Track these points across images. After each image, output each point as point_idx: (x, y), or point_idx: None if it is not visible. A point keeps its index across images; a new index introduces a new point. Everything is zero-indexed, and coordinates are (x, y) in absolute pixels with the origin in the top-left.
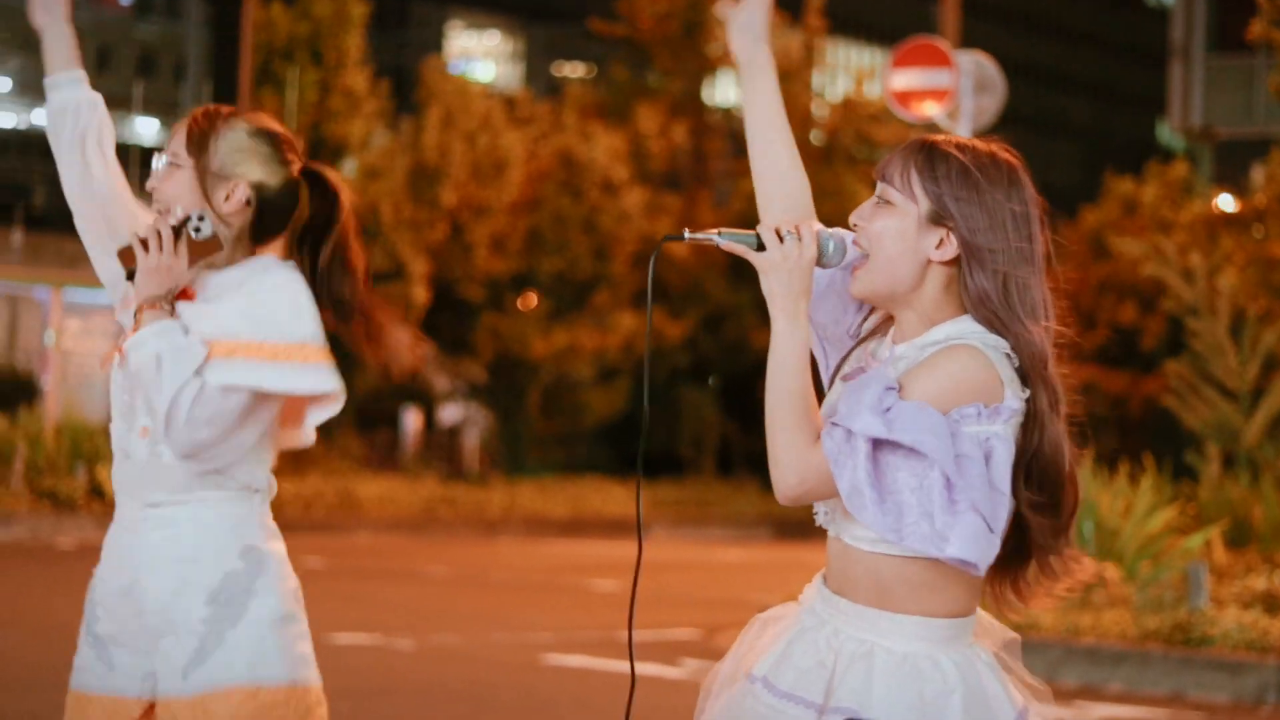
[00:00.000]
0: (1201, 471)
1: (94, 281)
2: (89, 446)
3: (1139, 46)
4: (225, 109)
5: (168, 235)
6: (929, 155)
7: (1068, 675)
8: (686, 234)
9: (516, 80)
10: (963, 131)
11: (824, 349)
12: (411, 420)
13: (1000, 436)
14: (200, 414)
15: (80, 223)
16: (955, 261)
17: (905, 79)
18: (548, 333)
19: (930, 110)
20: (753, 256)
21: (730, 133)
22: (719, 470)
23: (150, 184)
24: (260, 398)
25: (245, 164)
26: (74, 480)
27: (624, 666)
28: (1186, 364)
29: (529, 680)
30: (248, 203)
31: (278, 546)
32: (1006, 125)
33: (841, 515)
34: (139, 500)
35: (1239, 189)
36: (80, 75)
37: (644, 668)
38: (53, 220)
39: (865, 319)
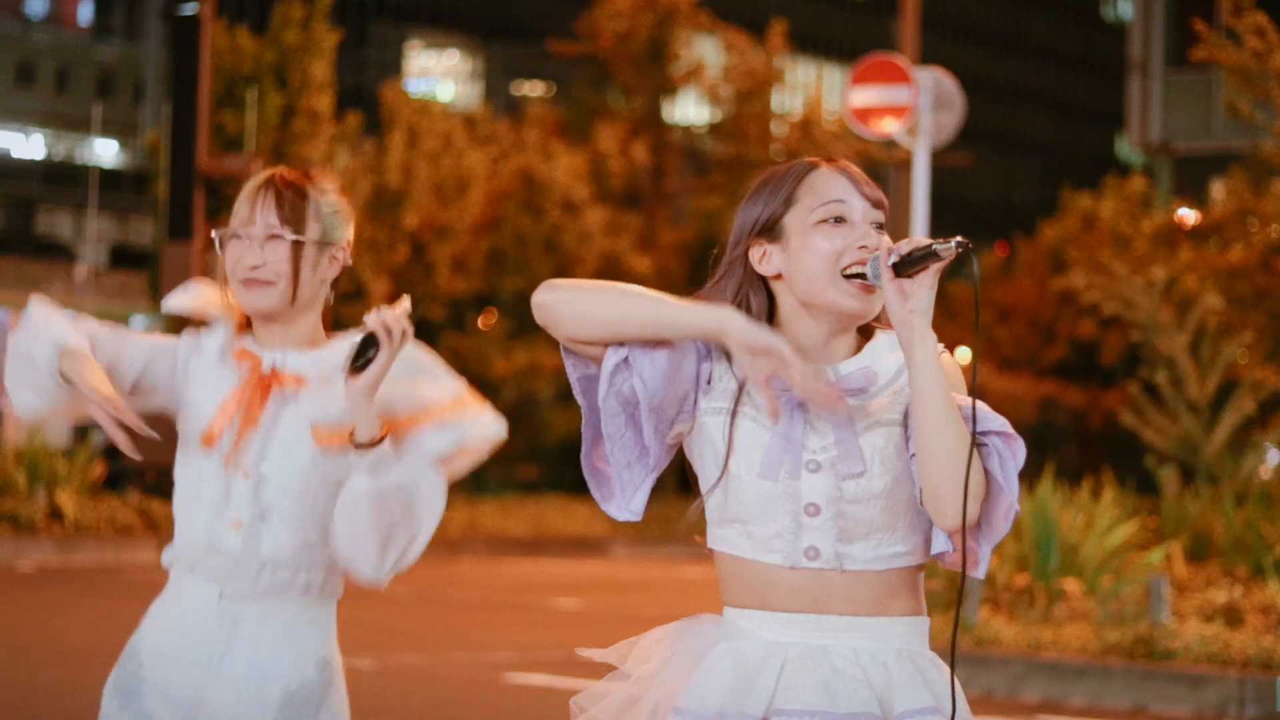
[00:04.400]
0: (1162, 486)
1: (54, 304)
2: (49, 469)
3: (1097, 62)
4: (299, 173)
5: (409, 332)
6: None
7: (1030, 690)
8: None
9: (475, 99)
10: (922, 148)
11: (654, 418)
12: None
13: None
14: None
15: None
16: None
17: (865, 96)
18: (509, 352)
19: (889, 127)
20: (935, 270)
21: (689, 151)
22: (679, 488)
23: (250, 260)
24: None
25: (342, 227)
26: (34, 503)
27: (585, 685)
28: (1146, 378)
29: (491, 699)
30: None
31: (340, 661)
32: (965, 141)
33: (858, 544)
34: (215, 591)
35: (1198, 203)
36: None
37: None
38: (12, 243)
39: (699, 366)
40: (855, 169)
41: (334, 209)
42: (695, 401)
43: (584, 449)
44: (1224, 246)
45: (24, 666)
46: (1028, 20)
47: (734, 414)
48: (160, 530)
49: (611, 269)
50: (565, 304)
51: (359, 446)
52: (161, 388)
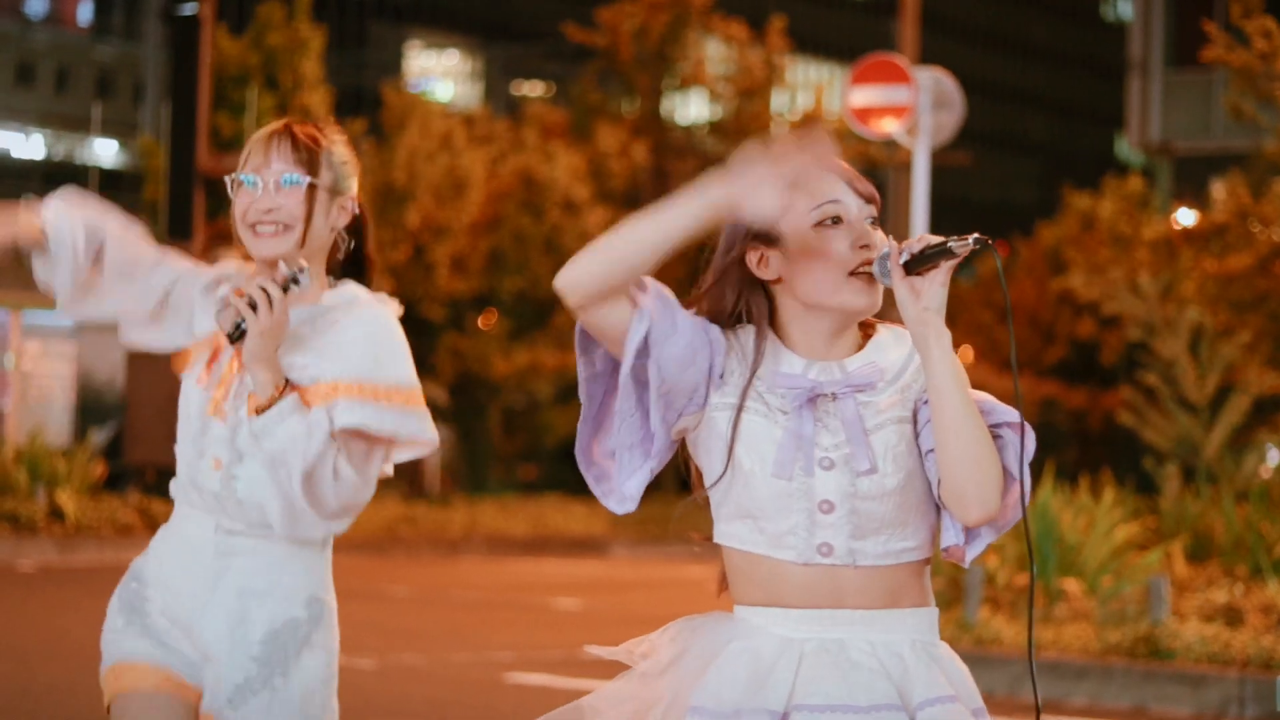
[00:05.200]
0: (1162, 485)
1: (53, 304)
2: (49, 469)
3: (1097, 62)
4: (312, 123)
5: (278, 298)
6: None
7: (1030, 690)
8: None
9: (475, 99)
10: (921, 148)
11: (662, 405)
12: None
13: None
14: (341, 485)
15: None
16: None
17: (864, 96)
18: (509, 352)
19: (889, 127)
20: (948, 267)
21: (690, 150)
22: (679, 488)
23: (265, 204)
24: (373, 445)
25: (351, 177)
26: (34, 503)
27: (586, 685)
28: (1145, 379)
29: (491, 699)
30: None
31: (333, 601)
32: (965, 141)
33: (870, 540)
34: (211, 523)
35: (1198, 204)
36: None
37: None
38: None
39: (711, 366)
40: (845, 165)
41: (343, 159)
42: (706, 395)
43: (580, 444)
44: (1224, 250)
45: (24, 666)
46: (1027, 20)
47: (740, 408)
48: None
49: None
50: (582, 269)
51: (256, 410)
52: (184, 309)
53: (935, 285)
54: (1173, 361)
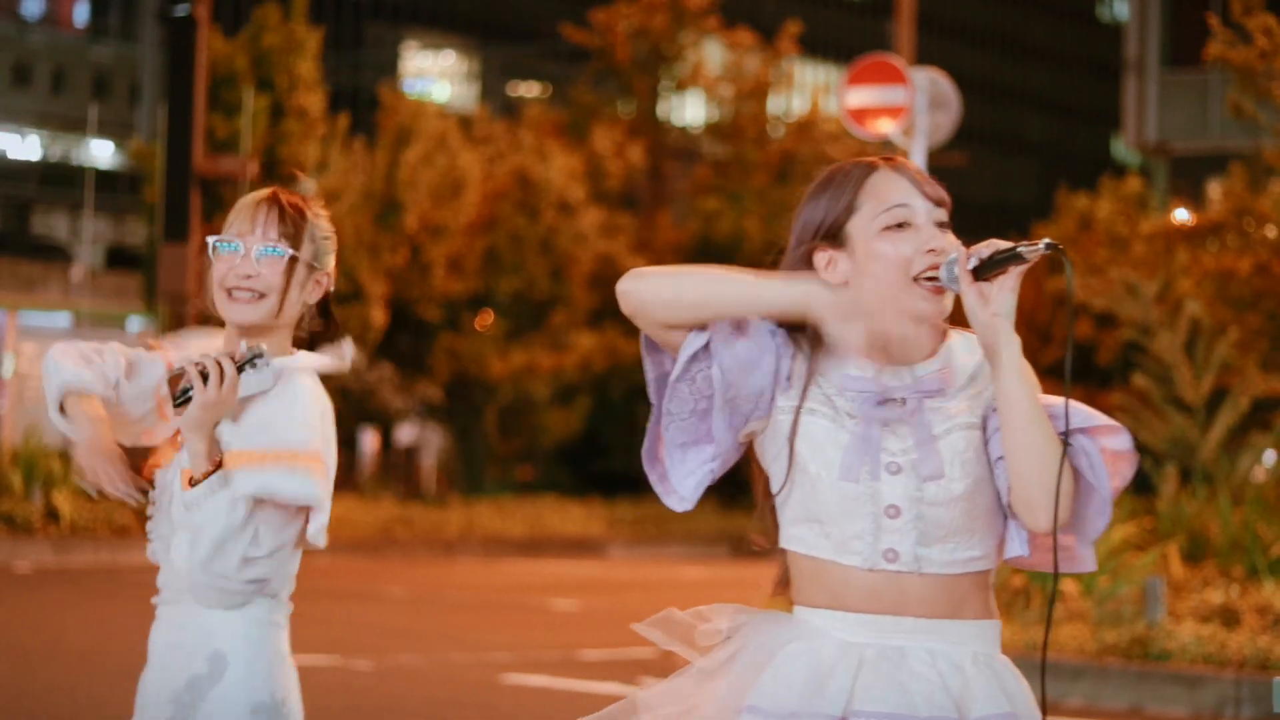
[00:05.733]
0: (1159, 486)
1: (49, 305)
2: (45, 470)
3: (1093, 62)
4: (297, 195)
5: (230, 374)
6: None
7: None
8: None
9: (472, 100)
10: (918, 148)
11: (727, 410)
12: (368, 441)
13: None
14: (255, 553)
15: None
16: None
17: (861, 96)
18: (505, 353)
19: (886, 127)
20: (1017, 272)
21: (686, 152)
22: None
23: (245, 270)
24: (287, 514)
25: (329, 254)
26: (31, 504)
27: (583, 686)
28: (1140, 379)
29: (488, 700)
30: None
31: (256, 655)
32: (961, 142)
33: (936, 548)
34: (156, 598)
35: (1194, 203)
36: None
37: (604, 686)
38: (8, 243)
39: (779, 363)
40: (914, 167)
41: (325, 235)
42: (772, 399)
43: (647, 444)
44: (1221, 248)
45: (21, 667)
46: (1024, 20)
47: (799, 409)
48: None
49: (607, 270)
50: (651, 289)
51: (190, 482)
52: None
53: (1005, 291)
54: (1168, 361)
